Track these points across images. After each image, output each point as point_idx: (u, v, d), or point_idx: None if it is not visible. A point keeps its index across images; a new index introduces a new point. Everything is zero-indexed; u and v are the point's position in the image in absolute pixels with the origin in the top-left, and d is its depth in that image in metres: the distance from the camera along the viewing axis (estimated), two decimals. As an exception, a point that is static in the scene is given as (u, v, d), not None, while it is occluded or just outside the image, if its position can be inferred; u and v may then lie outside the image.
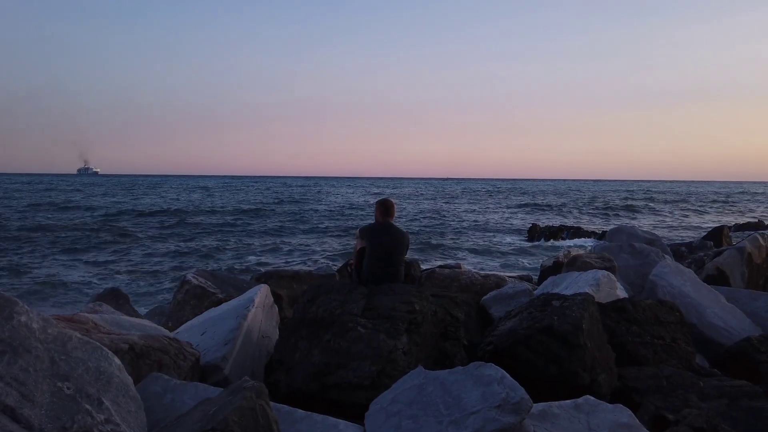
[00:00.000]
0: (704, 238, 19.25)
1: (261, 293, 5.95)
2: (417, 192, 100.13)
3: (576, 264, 8.70)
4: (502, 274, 10.17)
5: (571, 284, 6.91)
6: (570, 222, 41.15)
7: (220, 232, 33.85)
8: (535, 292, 7.55)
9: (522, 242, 31.16)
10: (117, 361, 3.59)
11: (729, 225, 25.78)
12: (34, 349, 3.26)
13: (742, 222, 35.34)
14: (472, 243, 30.29)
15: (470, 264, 22.04)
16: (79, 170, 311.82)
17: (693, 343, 5.74)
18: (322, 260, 22.57)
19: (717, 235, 19.16)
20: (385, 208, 6.03)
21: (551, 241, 30.96)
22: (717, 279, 9.54)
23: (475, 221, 43.54)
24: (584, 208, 57.49)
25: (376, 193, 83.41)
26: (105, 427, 3.17)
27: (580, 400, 3.97)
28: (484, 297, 7.68)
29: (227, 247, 27.41)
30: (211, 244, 27.98)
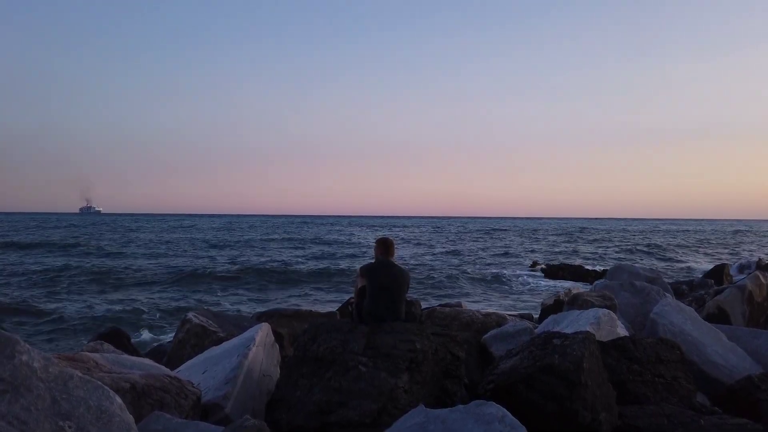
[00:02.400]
0: (705, 276, 19.24)
1: (262, 332, 5.95)
2: (422, 230, 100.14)
3: (577, 302, 8.70)
4: (503, 312, 10.15)
5: (571, 322, 6.90)
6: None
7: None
8: (536, 330, 7.53)
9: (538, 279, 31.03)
10: (118, 400, 3.59)
11: (730, 263, 25.76)
12: (35, 388, 3.27)
13: (743, 261, 35.26)
14: (477, 281, 30.22)
15: (473, 301, 21.97)
16: (81, 209, 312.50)
17: (694, 381, 5.72)
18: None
19: (718, 273, 19.14)
20: (385, 246, 6.06)
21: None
22: (718, 317, 9.53)
23: (479, 258, 43.47)
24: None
25: (401, 237, 75.96)
26: (106, 467, 3.16)
27: (581, 438, 3.95)
28: (485, 335, 7.67)
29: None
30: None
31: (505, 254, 49.29)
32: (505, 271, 34.76)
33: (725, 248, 58.60)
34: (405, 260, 39.92)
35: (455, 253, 49.58)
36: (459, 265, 38.11)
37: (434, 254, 47.89)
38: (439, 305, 10.62)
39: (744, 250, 55.21)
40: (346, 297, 16.79)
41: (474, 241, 69.87)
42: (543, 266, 36.44)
